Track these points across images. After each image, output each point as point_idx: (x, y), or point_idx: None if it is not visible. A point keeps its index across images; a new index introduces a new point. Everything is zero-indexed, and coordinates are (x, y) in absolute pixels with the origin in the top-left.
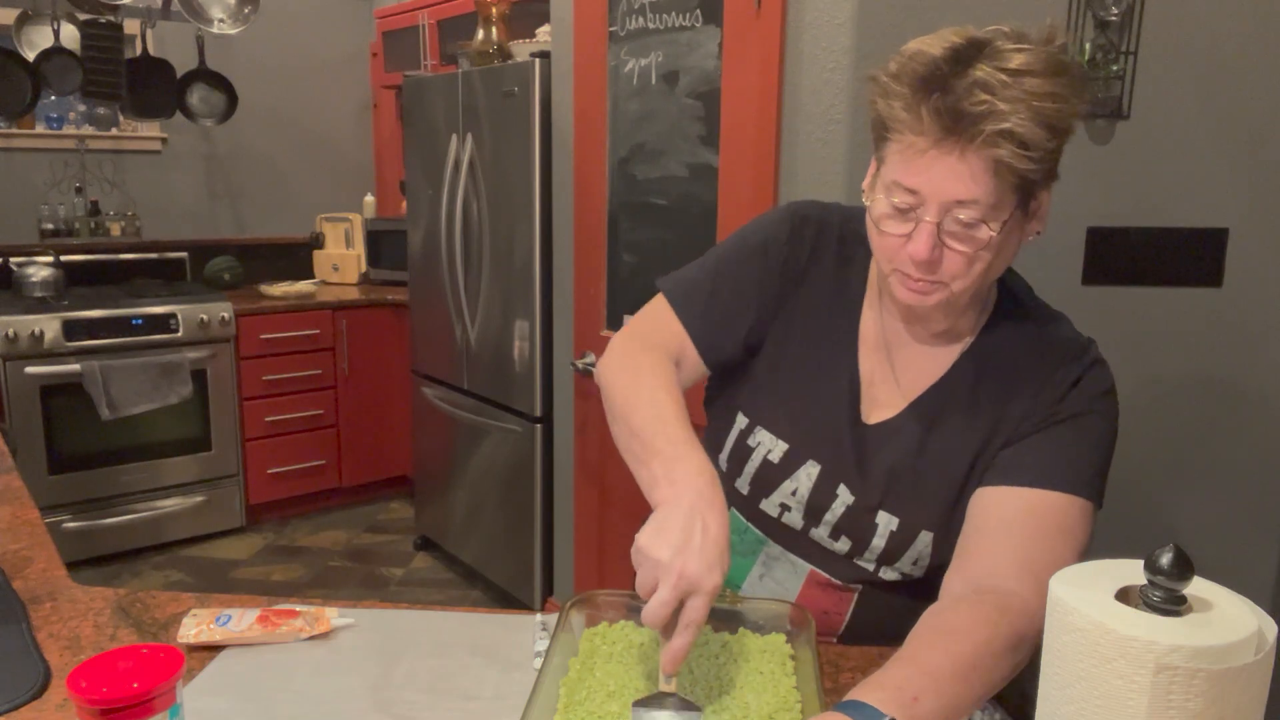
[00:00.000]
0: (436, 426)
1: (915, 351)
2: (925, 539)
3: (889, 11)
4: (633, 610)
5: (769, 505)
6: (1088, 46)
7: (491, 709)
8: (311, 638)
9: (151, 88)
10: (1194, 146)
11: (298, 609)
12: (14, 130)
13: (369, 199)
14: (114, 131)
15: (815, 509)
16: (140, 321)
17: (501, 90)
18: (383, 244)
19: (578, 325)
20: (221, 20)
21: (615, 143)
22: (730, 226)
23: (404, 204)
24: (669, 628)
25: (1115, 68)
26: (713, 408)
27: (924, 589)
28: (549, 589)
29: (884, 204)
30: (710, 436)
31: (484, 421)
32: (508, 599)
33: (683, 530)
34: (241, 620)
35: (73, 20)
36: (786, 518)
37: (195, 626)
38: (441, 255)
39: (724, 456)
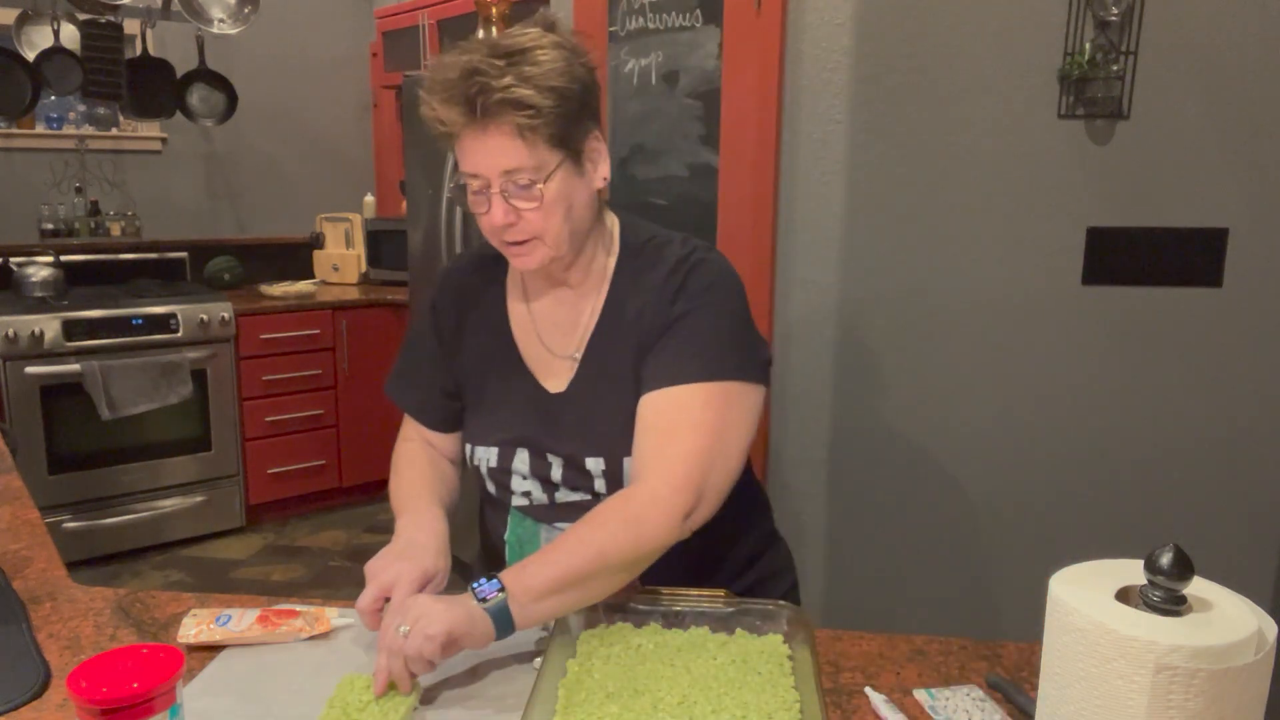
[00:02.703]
0: None
1: (565, 316)
2: (630, 464)
3: (889, 11)
4: (630, 612)
5: (518, 498)
6: (1088, 46)
7: (491, 709)
8: (311, 638)
9: (151, 88)
10: (1194, 146)
11: (298, 609)
12: (14, 130)
13: (369, 199)
14: (114, 131)
15: (543, 480)
16: (140, 321)
17: None
18: (383, 244)
19: None
20: (221, 20)
21: (615, 143)
22: (730, 226)
23: (404, 204)
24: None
25: (1115, 68)
26: None
27: None
28: None
29: (466, 192)
30: (477, 483)
31: None
32: None
33: (391, 547)
34: (241, 620)
35: (73, 20)
36: (535, 498)
37: (195, 626)
38: (441, 255)
39: (477, 477)
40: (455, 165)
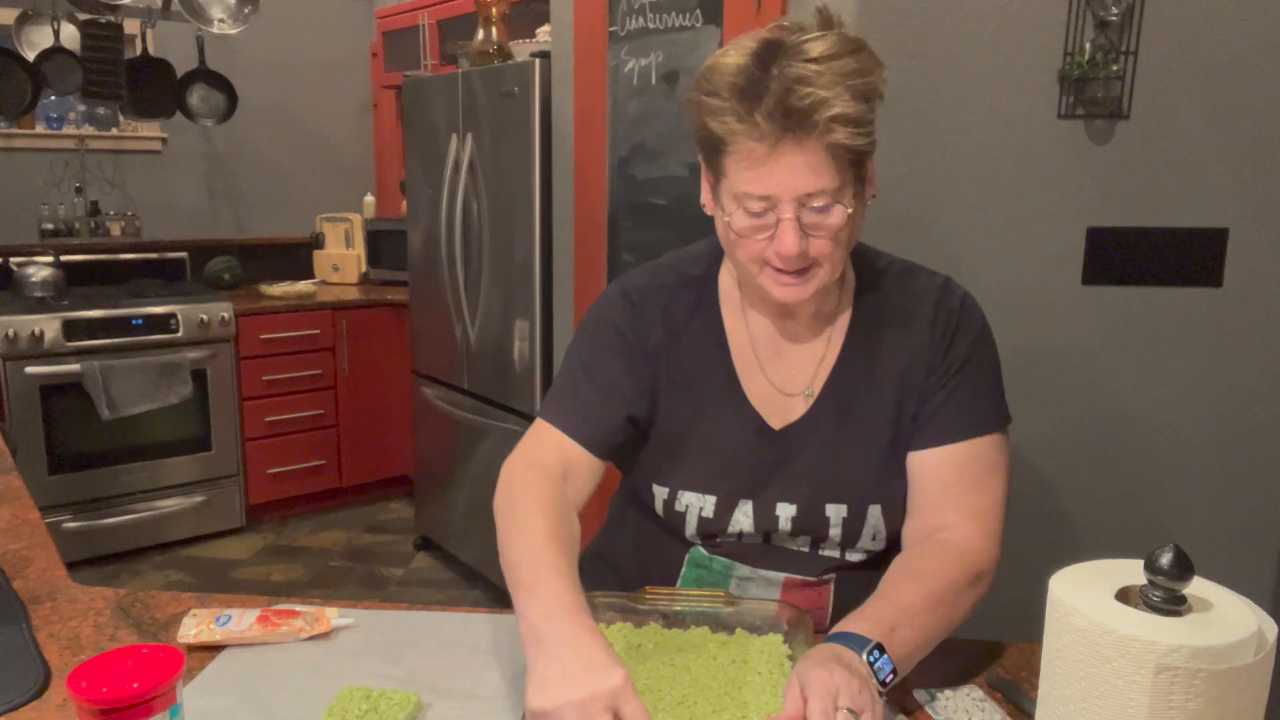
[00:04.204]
0: (436, 426)
1: (792, 348)
2: (875, 512)
3: (889, 11)
4: (630, 612)
5: (724, 539)
6: (1088, 46)
7: (491, 709)
8: (311, 638)
9: (151, 88)
10: (1194, 146)
11: (298, 609)
12: (14, 130)
13: (369, 199)
14: (114, 131)
15: (766, 530)
16: (140, 321)
17: (501, 90)
18: (383, 244)
19: (578, 325)
20: (221, 20)
21: (615, 143)
22: None
23: (404, 204)
24: None
25: (1115, 68)
26: (629, 477)
27: (889, 559)
28: None
29: (741, 216)
30: (632, 497)
31: (484, 421)
32: (508, 599)
33: (560, 664)
34: (241, 620)
35: (73, 20)
36: (745, 539)
37: (195, 626)
38: (441, 255)
39: (660, 515)
40: (713, 185)
